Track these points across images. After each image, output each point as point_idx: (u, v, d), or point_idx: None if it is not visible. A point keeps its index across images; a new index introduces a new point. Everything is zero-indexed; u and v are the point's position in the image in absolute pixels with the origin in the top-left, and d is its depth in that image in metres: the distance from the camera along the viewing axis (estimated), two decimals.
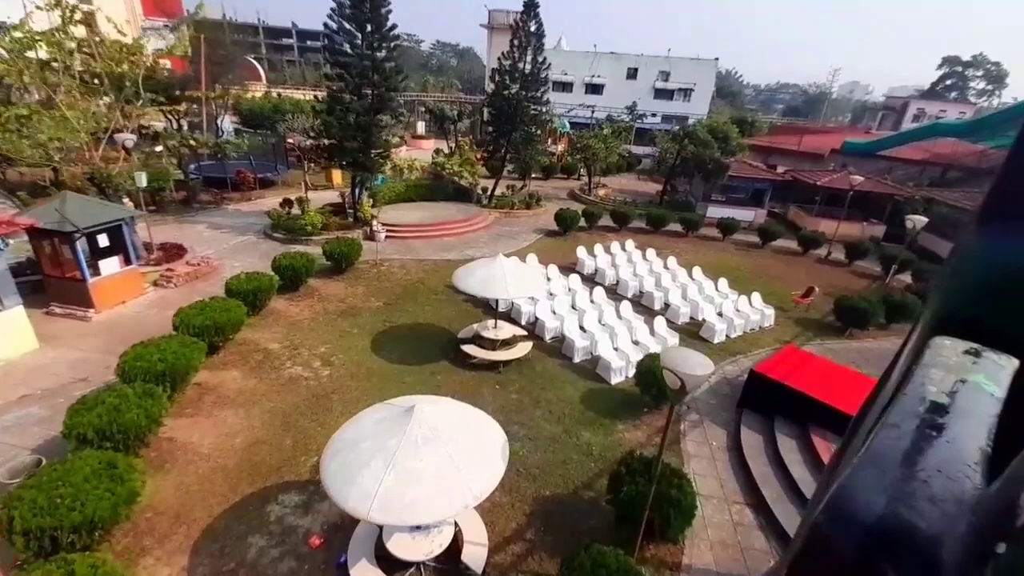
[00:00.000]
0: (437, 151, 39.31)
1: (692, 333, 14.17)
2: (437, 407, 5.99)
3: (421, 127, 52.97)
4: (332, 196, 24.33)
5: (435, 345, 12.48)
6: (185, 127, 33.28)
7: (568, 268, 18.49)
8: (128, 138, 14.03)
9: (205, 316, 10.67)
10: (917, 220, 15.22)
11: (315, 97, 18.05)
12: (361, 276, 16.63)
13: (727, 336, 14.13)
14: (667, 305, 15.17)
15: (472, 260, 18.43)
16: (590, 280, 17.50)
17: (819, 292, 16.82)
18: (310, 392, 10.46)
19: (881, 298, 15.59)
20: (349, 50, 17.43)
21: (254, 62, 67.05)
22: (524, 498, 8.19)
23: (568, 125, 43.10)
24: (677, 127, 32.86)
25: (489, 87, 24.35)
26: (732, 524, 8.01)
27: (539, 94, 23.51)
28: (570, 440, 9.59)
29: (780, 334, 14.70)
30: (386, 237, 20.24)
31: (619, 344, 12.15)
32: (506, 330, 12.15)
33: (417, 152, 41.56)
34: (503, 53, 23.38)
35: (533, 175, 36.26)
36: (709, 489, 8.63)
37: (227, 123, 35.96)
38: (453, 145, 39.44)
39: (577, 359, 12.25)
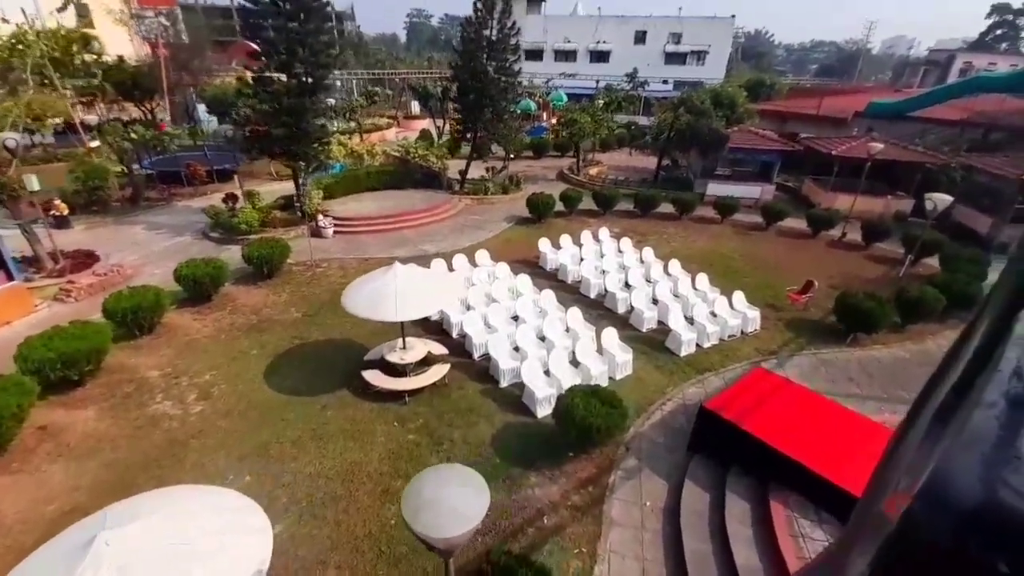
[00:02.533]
0: (423, 132, 37.14)
1: (656, 343, 11.92)
2: (143, 526, 4.09)
3: (416, 107, 50.70)
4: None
5: (341, 368, 10.65)
6: (165, 117, 32.11)
7: (531, 264, 16.38)
8: (9, 137, 12.52)
9: (50, 347, 9.10)
10: (938, 199, 12.31)
11: (237, 79, 16.05)
12: (291, 280, 14.89)
13: (698, 346, 11.82)
14: (632, 309, 12.90)
15: (426, 256, 16.62)
16: (552, 278, 15.34)
17: (819, 287, 14.21)
18: (168, 437, 8.81)
19: (894, 293, 12.91)
20: (272, 22, 15.35)
21: (254, 45, 65.73)
22: None
23: (565, 97, 40.02)
24: (676, 94, 29.64)
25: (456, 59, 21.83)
26: None
27: (507, 64, 20.94)
28: None
29: (766, 342, 12.28)
30: (335, 232, 18.50)
31: (553, 366, 10.05)
32: (417, 350, 10.20)
33: (409, 133, 39.46)
34: (466, 19, 20.84)
35: (523, 154, 33.81)
36: None
37: (203, 111, 34.52)
38: (442, 124, 37.19)
39: (504, 383, 10.25)
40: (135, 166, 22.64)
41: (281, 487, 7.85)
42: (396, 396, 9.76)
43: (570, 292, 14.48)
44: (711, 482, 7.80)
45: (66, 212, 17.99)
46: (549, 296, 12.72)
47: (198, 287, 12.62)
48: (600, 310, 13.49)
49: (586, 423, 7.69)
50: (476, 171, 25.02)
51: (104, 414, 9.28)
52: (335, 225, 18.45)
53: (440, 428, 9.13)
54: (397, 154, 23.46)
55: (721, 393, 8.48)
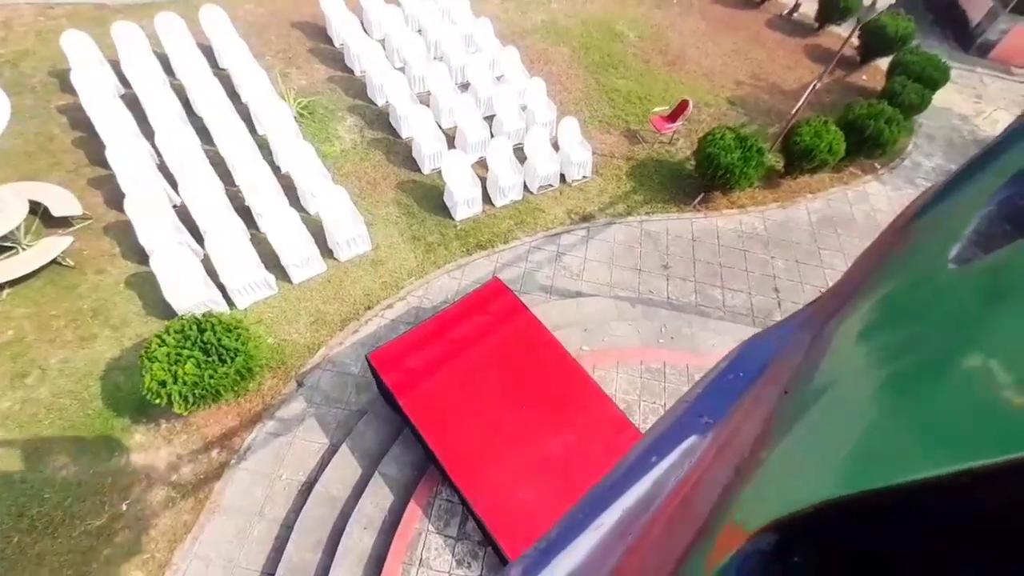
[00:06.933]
0: None
1: (436, 197, 8.49)
2: None
3: None
4: None
5: None
6: None
7: (320, 32, 11.00)
8: None
9: None
10: None
11: None
12: None
13: (490, 205, 8.52)
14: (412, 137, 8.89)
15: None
16: (340, 64, 10.38)
17: (717, 101, 10.31)
18: None
19: (784, 131, 9.20)
20: None
21: None
22: None
23: None
24: None
25: None
26: None
27: None
28: (7, 481, 5.49)
29: (589, 197, 9.00)
30: None
31: (215, 248, 6.79)
32: (9, 212, 6.51)
33: None
34: None
35: None
36: None
37: None
38: None
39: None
40: None
41: None
42: None
43: (354, 95, 9.91)
44: (376, 448, 5.83)
45: None
46: (280, 115, 8.33)
47: None
48: (381, 131, 9.39)
49: (159, 394, 5.05)
50: None
51: None
52: None
53: (37, 345, 6.34)
54: None
55: (404, 335, 5.73)
